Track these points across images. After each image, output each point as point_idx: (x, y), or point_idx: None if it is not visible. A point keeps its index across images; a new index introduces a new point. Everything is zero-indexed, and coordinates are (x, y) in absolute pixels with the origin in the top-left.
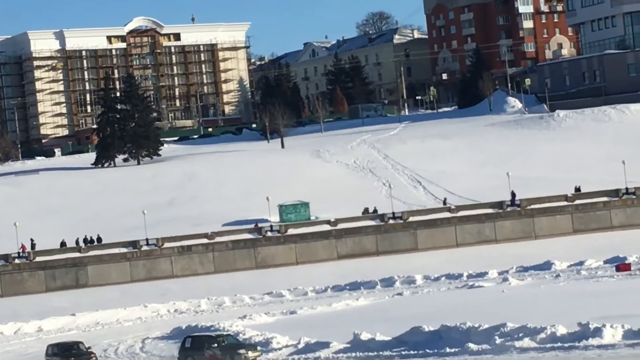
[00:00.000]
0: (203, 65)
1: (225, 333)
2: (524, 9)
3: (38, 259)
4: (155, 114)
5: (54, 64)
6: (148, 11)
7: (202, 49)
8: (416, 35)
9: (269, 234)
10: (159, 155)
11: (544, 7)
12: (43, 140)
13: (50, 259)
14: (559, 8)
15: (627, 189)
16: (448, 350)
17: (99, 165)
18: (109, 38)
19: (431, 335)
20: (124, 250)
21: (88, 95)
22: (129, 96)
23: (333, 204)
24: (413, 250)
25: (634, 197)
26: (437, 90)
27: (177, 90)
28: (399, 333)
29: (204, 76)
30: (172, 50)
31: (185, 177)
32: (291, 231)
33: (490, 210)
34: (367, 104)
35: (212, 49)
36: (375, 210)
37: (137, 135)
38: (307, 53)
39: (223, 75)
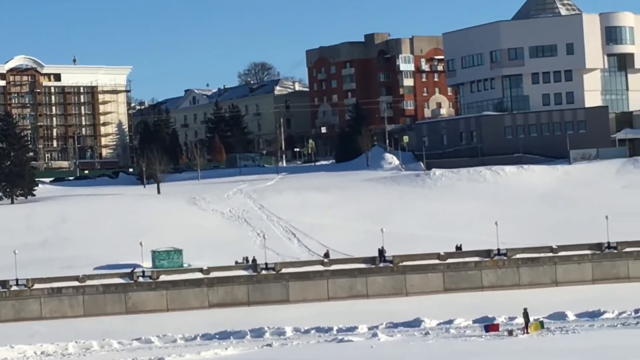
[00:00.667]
0: (82, 107)
1: None
2: (405, 66)
3: None
4: (31, 154)
5: None
6: (29, 50)
7: (82, 91)
8: (297, 87)
9: (141, 279)
10: (34, 195)
11: (425, 66)
12: None
13: None
14: (440, 68)
15: (498, 250)
16: None
17: None
18: None
19: None
20: None
21: None
22: (5, 134)
23: (207, 252)
24: (284, 301)
25: (505, 258)
26: (316, 143)
27: (55, 130)
28: None
29: (83, 118)
30: (52, 90)
31: (59, 218)
32: (163, 277)
33: (363, 265)
34: (246, 153)
35: (92, 91)
36: (254, 260)
37: (12, 174)
38: (187, 100)
39: (102, 118)
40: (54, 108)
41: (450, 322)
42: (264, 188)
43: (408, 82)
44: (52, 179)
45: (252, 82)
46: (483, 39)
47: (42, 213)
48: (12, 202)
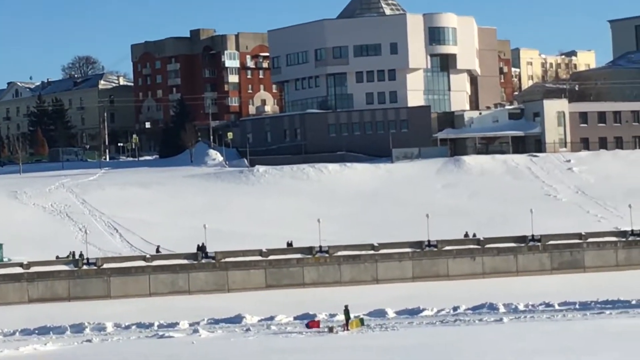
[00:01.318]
0: None
1: None
2: (230, 63)
3: None
4: None
5: None
6: None
7: None
8: (122, 82)
9: None
10: None
11: (250, 63)
12: None
13: None
14: (265, 65)
15: (320, 247)
16: None
17: None
18: None
19: None
20: None
21: None
22: None
23: (27, 247)
24: (106, 297)
25: (327, 255)
26: (140, 139)
27: None
28: None
29: None
30: None
31: None
32: None
33: (185, 261)
34: (69, 147)
35: None
36: (81, 255)
37: None
38: (10, 92)
39: None
40: None
41: (271, 318)
42: (86, 183)
43: (233, 78)
44: None
45: (76, 75)
46: (308, 37)
47: None
48: None
